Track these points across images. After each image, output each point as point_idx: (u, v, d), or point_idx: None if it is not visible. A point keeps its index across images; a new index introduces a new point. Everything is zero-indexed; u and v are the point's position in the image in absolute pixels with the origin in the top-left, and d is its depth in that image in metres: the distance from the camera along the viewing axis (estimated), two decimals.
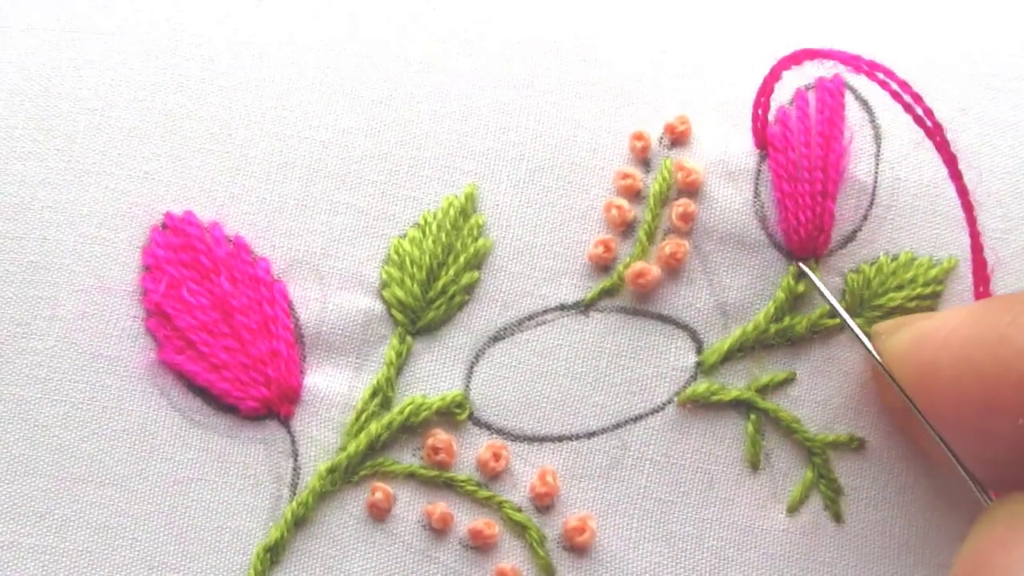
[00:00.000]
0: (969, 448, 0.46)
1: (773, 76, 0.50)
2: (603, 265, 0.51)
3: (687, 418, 0.51)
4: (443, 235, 0.51)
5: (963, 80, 0.53)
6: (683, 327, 0.51)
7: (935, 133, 0.49)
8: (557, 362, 0.51)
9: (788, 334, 0.51)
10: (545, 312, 0.51)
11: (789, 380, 0.51)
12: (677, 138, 0.52)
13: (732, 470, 0.50)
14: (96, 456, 0.50)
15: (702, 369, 0.51)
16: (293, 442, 0.50)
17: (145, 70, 0.52)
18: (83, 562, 0.49)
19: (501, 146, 0.52)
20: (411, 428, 0.50)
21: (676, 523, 0.50)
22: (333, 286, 0.51)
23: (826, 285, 0.51)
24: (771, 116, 0.51)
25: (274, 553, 0.49)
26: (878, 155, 0.52)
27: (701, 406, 0.51)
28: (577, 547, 0.50)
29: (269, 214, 0.51)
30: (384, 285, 0.51)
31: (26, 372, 0.50)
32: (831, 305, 0.50)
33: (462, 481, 0.50)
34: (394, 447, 0.50)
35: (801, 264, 0.51)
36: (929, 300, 0.51)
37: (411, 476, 0.50)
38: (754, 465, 0.51)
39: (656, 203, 0.51)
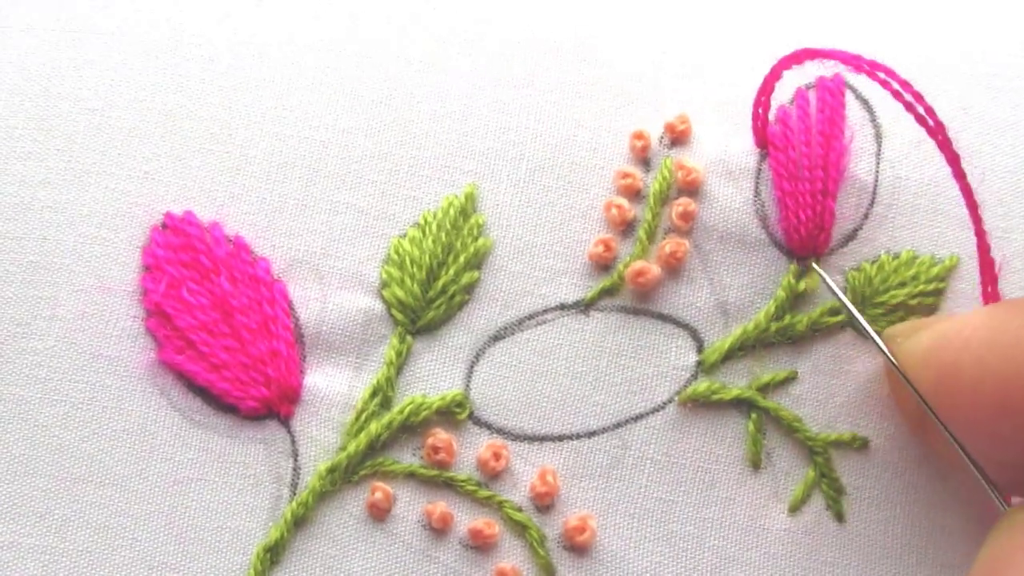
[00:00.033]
0: (985, 451, 0.46)
1: (774, 75, 0.50)
2: (603, 264, 0.51)
3: (688, 417, 0.51)
4: (443, 235, 0.51)
5: (964, 79, 0.53)
6: (684, 326, 0.51)
7: (937, 132, 0.49)
8: (557, 361, 0.51)
9: (789, 333, 0.51)
10: (545, 311, 0.51)
11: (790, 379, 0.51)
12: (677, 137, 0.52)
13: (733, 469, 0.50)
14: (96, 456, 0.50)
15: (703, 368, 0.51)
16: (293, 442, 0.50)
17: (145, 70, 0.52)
18: (83, 562, 0.49)
19: (501, 146, 0.52)
20: (411, 428, 0.50)
21: (677, 523, 0.50)
22: (333, 286, 0.51)
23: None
24: (772, 115, 0.51)
25: (274, 553, 0.49)
26: (879, 154, 0.52)
27: (702, 405, 0.51)
28: (577, 547, 0.50)
29: (269, 214, 0.51)
30: (384, 285, 0.51)
31: (26, 372, 0.50)
32: (846, 309, 0.50)
33: (462, 481, 0.50)
34: (394, 447, 0.50)
35: (815, 265, 0.51)
36: (931, 298, 0.51)
37: (411, 476, 0.50)
38: (755, 464, 0.50)
39: (656, 202, 0.51)
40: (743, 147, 0.52)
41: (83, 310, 0.50)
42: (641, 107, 0.52)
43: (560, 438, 0.50)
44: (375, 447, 0.50)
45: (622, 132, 0.52)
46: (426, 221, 0.51)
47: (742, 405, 0.51)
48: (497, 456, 0.50)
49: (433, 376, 0.51)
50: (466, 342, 0.51)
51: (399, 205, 0.51)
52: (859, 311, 0.51)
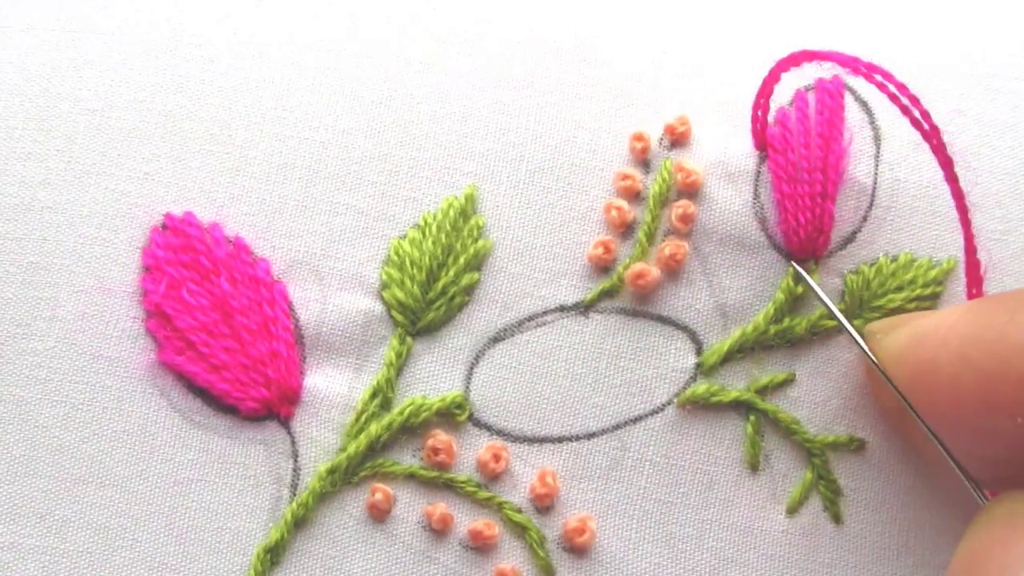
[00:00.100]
0: (967, 446, 0.46)
1: (772, 77, 0.50)
2: (603, 266, 0.51)
3: (687, 419, 0.51)
4: (443, 236, 0.51)
5: (962, 81, 0.53)
6: (683, 328, 0.51)
7: (932, 135, 0.49)
8: (557, 363, 0.51)
9: (788, 335, 0.51)
10: (545, 313, 0.51)
11: (789, 381, 0.51)
12: (677, 139, 0.52)
13: (732, 471, 0.51)
14: (96, 457, 0.50)
15: (702, 370, 0.51)
16: (293, 443, 0.50)
17: (145, 70, 0.52)
18: (83, 563, 0.49)
19: (501, 147, 0.52)
20: (411, 429, 0.50)
21: (676, 524, 0.50)
22: (333, 287, 0.51)
23: (825, 286, 0.51)
24: (771, 117, 0.51)
25: (274, 554, 0.49)
26: (878, 156, 0.52)
27: (701, 407, 0.51)
28: (577, 548, 0.50)
29: (269, 215, 0.51)
30: (384, 286, 0.51)
31: (26, 373, 0.50)
32: (824, 304, 0.50)
33: (462, 482, 0.50)
34: (394, 448, 0.50)
35: (795, 265, 0.51)
36: (928, 301, 0.51)
37: (411, 477, 0.50)
38: (753, 466, 0.51)
39: (656, 204, 0.51)
40: (742, 149, 0.52)
41: (83, 311, 0.50)
42: (641, 108, 0.52)
43: (560, 439, 0.50)
44: (375, 448, 0.50)
45: (622, 133, 0.52)
46: (426, 222, 0.51)
47: (741, 407, 0.51)
48: (497, 457, 0.50)
49: (433, 377, 0.51)
50: (466, 343, 0.51)
51: (399, 206, 0.51)
52: (856, 316, 0.51)
